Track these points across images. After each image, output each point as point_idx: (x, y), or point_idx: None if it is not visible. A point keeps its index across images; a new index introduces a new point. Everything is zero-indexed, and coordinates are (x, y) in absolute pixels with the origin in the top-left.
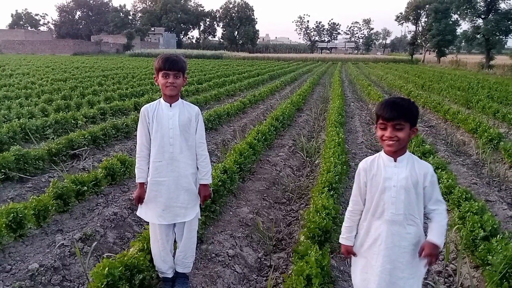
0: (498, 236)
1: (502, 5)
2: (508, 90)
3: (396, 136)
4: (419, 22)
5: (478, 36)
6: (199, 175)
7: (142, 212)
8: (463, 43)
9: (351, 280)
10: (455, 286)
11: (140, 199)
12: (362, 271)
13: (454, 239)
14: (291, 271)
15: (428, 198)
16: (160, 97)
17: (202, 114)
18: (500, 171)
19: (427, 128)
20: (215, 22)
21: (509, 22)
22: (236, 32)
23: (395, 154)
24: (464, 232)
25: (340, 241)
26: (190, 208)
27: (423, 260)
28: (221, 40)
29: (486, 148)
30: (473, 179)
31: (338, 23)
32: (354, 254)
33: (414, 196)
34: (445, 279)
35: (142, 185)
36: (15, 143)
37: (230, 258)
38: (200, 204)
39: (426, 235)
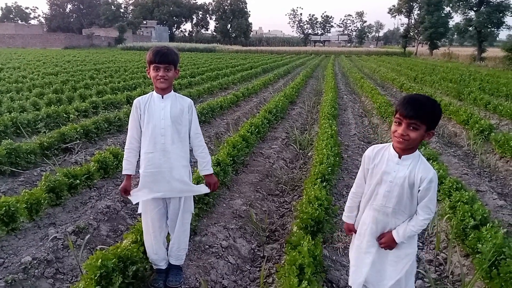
0: (488, 225)
1: None
2: (500, 82)
3: (408, 135)
4: (412, 14)
5: (470, 28)
6: (200, 166)
7: (134, 196)
8: (455, 36)
9: (343, 269)
10: (445, 274)
11: (126, 191)
12: (356, 250)
13: (444, 228)
14: (284, 261)
15: (419, 201)
16: (153, 90)
17: (195, 106)
18: (491, 161)
19: None
20: (207, 15)
21: (501, 15)
22: (229, 25)
23: (402, 151)
24: (455, 221)
25: (343, 218)
26: (186, 191)
27: (410, 252)
28: (214, 33)
29: (477, 139)
30: (464, 169)
31: (331, 16)
32: (355, 232)
33: (408, 195)
34: (436, 268)
35: (129, 177)
36: (7, 137)
37: (223, 249)
38: (193, 197)
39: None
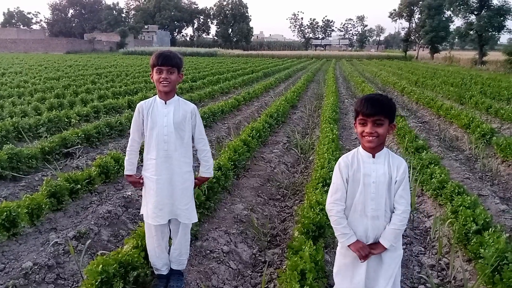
0: (490, 229)
1: (495, 1)
2: (501, 85)
3: (376, 132)
4: (413, 18)
5: (471, 32)
6: (202, 168)
7: (143, 211)
8: (456, 40)
9: None
10: (448, 279)
11: (136, 184)
12: (347, 269)
13: (447, 233)
14: (285, 266)
15: (394, 193)
16: (156, 94)
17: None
18: (493, 166)
19: (420, 124)
20: (209, 20)
21: (502, 18)
22: (230, 30)
23: (374, 150)
24: (457, 226)
25: (346, 242)
26: (191, 210)
27: (398, 254)
28: (215, 37)
29: (478, 143)
30: (466, 174)
31: (332, 20)
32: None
33: (391, 191)
34: (438, 273)
35: (131, 175)
36: (8, 142)
37: (224, 255)
38: (194, 201)
39: None
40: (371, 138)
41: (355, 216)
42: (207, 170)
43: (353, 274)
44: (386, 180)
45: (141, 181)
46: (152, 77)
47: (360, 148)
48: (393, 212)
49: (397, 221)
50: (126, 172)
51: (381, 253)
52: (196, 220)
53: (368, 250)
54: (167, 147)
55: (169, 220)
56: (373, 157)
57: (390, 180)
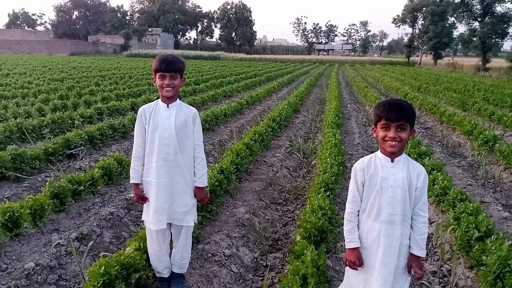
0: (493, 236)
1: (498, 8)
2: (504, 92)
3: (399, 136)
4: (416, 24)
5: (475, 39)
6: (195, 177)
7: (145, 217)
8: (459, 46)
9: None
10: (449, 286)
11: (139, 198)
12: (359, 273)
13: (449, 240)
14: (287, 270)
15: (417, 200)
16: (158, 98)
17: (199, 114)
18: (495, 172)
19: (423, 130)
20: (212, 23)
21: (505, 25)
22: (234, 33)
23: (394, 154)
24: (459, 233)
25: (347, 246)
26: (188, 213)
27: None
28: (219, 41)
29: (481, 150)
30: (468, 180)
31: (335, 25)
32: (361, 260)
33: (409, 197)
34: (440, 280)
35: (137, 185)
36: (12, 143)
37: (226, 258)
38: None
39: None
40: (394, 143)
41: (370, 221)
42: (199, 178)
43: (367, 280)
44: (404, 185)
45: (147, 198)
46: (155, 81)
47: (378, 152)
48: (412, 219)
49: (424, 228)
50: (131, 181)
51: (395, 258)
52: (192, 224)
53: (354, 263)
54: (167, 150)
55: (171, 224)
56: (392, 161)
57: (410, 186)
